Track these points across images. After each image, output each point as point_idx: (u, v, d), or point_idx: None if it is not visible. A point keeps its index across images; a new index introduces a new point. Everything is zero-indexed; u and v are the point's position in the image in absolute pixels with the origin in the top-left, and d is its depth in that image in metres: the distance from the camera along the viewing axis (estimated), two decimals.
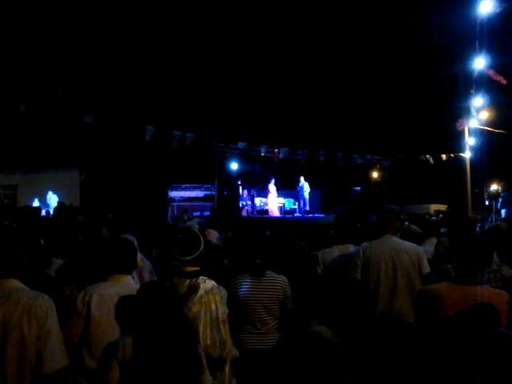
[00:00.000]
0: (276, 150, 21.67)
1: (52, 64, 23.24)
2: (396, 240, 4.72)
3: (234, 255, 6.30)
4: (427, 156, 24.87)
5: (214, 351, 3.64)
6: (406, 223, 10.09)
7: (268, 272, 4.64)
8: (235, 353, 3.84)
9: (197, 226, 10.11)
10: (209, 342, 3.64)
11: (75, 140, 22.71)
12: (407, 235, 5.46)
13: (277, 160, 21.86)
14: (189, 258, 3.79)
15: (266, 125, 25.84)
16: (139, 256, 5.05)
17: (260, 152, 21.87)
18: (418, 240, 5.53)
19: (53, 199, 18.03)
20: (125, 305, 3.48)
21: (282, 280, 4.66)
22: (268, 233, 9.11)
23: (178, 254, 3.82)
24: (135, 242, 5.09)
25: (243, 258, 5.14)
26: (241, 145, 21.52)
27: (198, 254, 3.82)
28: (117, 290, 3.55)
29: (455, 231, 4.88)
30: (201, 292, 3.71)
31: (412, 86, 26.66)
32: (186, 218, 16.89)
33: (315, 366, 1.55)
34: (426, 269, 4.52)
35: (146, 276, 5.20)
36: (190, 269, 3.80)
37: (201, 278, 3.80)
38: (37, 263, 5.08)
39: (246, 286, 4.54)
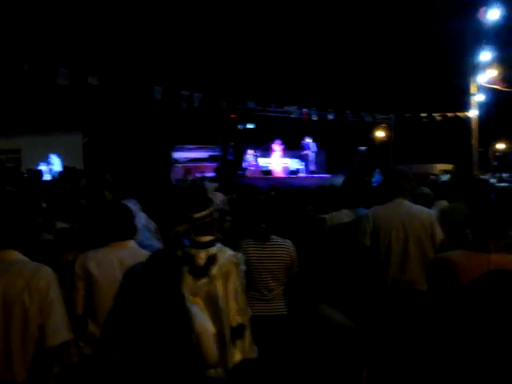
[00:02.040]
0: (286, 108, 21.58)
1: (55, 23, 22.81)
2: (407, 204, 4.55)
3: (238, 219, 6.19)
4: (433, 114, 24.61)
5: (234, 320, 3.61)
6: (414, 183, 9.98)
7: (273, 237, 4.54)
8: (250, 312, 3.81)
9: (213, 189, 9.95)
10: (231, 312, 3.60)
11: (78, 102, 22.48)
12: (418, 198, 5.30)
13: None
14: (199, 215, 3.63)
15: (274, 84, 25.45)
16: (143, 216, 5.00)
17: (270, 112, 21.74)
18: (429, 203, 5.39)
19: (56, 162, 17.94)
20: (126, 269, 3.44)
21: (287, 245, 4.56)
22: (273, 193, 9.02)
23: (188, 210, 3.68)
24: (137, 206, 5.04)
25: (247, 222, 5.02)
26: (250, 104, 21.32)
27: (208, 212, 3.66)
28: (117, 254, 3.51)
29: (471, 196, 4.72)
30: (220, 262, 3.60)
31: (418, 42, 26.17)
32: (189, 179, 16.80)
33: (327, 352, 1.45)
34: (439, 234, 4.37)
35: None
36: (204, 239, 3.65)
37: (217, 246, 3.68)
38: (39, 228, 5.04)
39: (250, 251, 4.44)
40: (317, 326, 1.51)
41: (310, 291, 4.53)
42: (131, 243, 3.64)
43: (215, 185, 11.66)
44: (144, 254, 3.37)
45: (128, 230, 3.64)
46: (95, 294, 3.45)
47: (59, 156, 18.05)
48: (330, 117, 22.35)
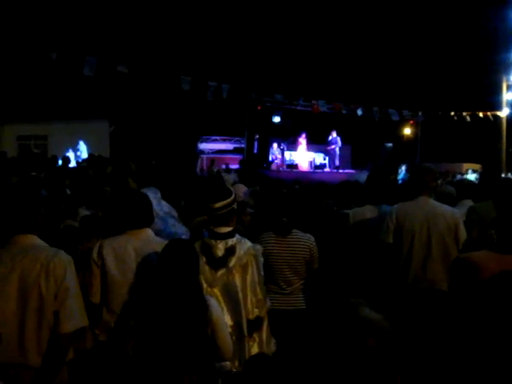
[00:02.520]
0: (314, 102, 21.37)
1: (85, 11, 22.94)
2: (432, 202, 4.47)
3: (260, 211, 6.15)
4: (462, 113, 24.22)
5: (252, 312, 3.57)
6: (439, 182, 9.84)
7: (294, 230, 4.49)
8: (268, 304, 3.75)
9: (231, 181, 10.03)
10: (249, 304, 3.56)
11: (105, 90, 22.64)
12: (442, 196, 5.21)
13: (317, 112, 21.55)
14: (217, 205, 3.58)
15: (302, 78, 25.27)
16: (165, 204, 5.01)
17: (296, 105, 21.59)
18: (453, 202, 5.29)
19: (83, 149, 18.12)
20: (142, 258, 3.45)
21: (308, 239, 4.50)
22: (297, 187, 8.95)
23: (208, 200, 3.65)
24: (158, 194, 5.04)
25: (268, 215, 4.99)
26: (278, 97, 21.20)
27: (227, 202, 3.60)
28: (133, 243, 3.51)
29: (499, 196, 4.61)
30: (238, 254, 3.56)
31: (449, 39, 25.77)
32: (214, 170, 16.85)
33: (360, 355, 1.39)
34: (463, 234, 4.29)
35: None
36: (223, 230, 3.60)
37: (236, 238, 3.64)
38: (63, 214, 5.08)
39: (270, 244, 4.40)
40: (355, 327, 1.45)
41: (331, 287, 4.49)
42: (148, 232, 3.63)
43: (233, 176, 11.67)
44: (160, 243, 3.37)
45: (145, 219, 3.64)
46: (110, 283, 3.46)
47: (86, 143, 18.22)
48: (360, 112, 22.11)
